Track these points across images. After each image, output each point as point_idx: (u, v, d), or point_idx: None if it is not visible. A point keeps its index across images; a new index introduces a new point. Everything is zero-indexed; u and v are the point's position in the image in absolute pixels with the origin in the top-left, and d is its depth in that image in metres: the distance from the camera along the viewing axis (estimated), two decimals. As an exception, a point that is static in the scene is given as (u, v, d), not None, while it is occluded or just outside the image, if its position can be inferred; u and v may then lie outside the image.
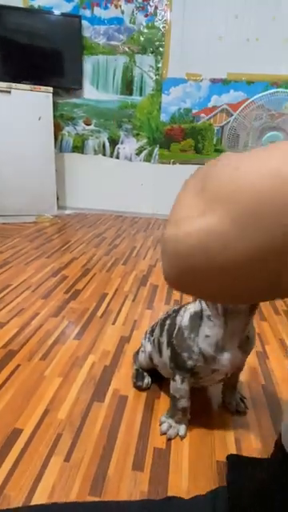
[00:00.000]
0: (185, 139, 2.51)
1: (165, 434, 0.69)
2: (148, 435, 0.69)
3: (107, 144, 2.62)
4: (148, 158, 2.61)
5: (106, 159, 2.66)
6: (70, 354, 0.93)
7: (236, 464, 0.52)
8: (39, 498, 0.55)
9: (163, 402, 0.78)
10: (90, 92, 2.47)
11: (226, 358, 0.61)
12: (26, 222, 2.32)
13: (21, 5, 2.31)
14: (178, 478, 0.61)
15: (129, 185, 2.70)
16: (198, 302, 0.63)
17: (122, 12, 2.29)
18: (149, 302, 1.29)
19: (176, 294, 1.36)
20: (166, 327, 0.71)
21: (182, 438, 0.69)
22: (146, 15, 2.28)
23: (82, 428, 0.70)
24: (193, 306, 0.64)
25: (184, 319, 0.64)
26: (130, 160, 2.64)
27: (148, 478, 0.60)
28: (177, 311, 0.70)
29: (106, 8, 2.28)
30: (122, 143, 2.60)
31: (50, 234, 2.10)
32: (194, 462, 0.64)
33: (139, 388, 0.81)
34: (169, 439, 0.68)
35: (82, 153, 2.66)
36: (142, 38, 2.33)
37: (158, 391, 0.81)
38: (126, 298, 1.31)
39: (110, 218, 2.62)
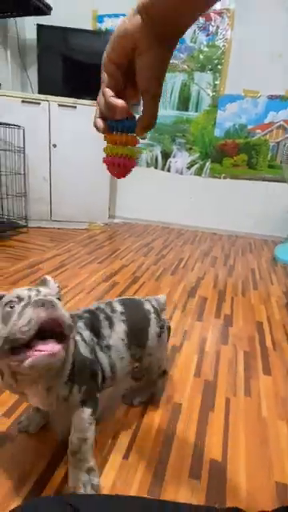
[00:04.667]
0: (238, 154, 2.50)
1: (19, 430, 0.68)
2: (204, 446, 0.69)
3: (160, 157, 2.69)
4: (199, 172, 2.64)
5: (157, 172, 2.73)
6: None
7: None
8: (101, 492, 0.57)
9: (218, 413, 0.77)
10: (147, 107, 2.57)
11: (29, 398, 0.53)
12: (79, 229, 2.44)
13: (89, 27, 2.50)
14: (235, 491, 0.60)
15: (177, 197, 2.74)
16: None
17: (184, 32, 2.37)
18: (198, 314, 1.29)
19: (226, 308, 1.35)
20: None
21: (30, 432, 0.68)
22: (208, 34, 2.34)
23: (138, 430, 0.71)
24: None
25: None
26: (181, 173, 2.68)
27: (205, 487, 0.60)
28: None
29: (168, 29, 2.38)
30: (174, 157, 2.66)
31: (101, 241, 2.19)
32: (251, 477, 0.62)
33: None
34: (18, 430, 0.68)
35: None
36: (201, 57, 2.39)
37: (211, 400, 0.81)
38: (176, 307, 1.32)
39: (156, 229, 2.67)
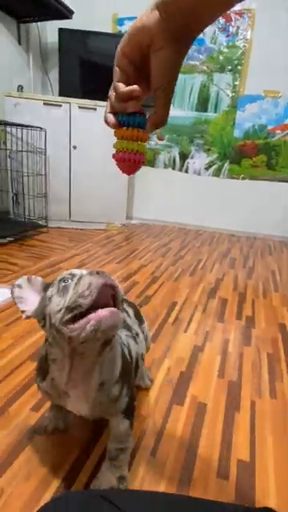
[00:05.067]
0: (257, 155, 2.47)
1: (45, 430, 0.67)
2: (230, 446, 0.69)
3: (177, 158, 2.69)
4: (217, 173, 2.63)
5: (175, 173, 2.73)
6: (146, 355, 0.97)
7: None
8: (130, 486, 0.58)
9: (243, 414, 0.77)
10: (165, 109, 2.58)
11: (70, 403, 0.52)
12: (97, 229, 2.46)
13: (109, 30, 2.53)
14: (265, 491, 0.59)
15: (195, 198, 2.73)
16: (43, 346, 0.54)
17: (204, 34, 2.37)
18: (219, 315, 1.28)
19: (247, 310, 1.33)
20: None
21: (61, 430, 0.67)
22: (228, 35, 2.33)
23: (163, 428, 0.72)
24: (42, 350, 0.55)
25: (38, 358, 0.57)
26: (199, 174, 2.67)
27: (234, 488, 0.60)
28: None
29: (188, 30, 2.38)
30: (192, 158, 2.65)
31: (119, 242, 2.20)
32: (281, 478, 0.62)
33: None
34: (46, 433, 0.67)
35: (153, 166, 2.76)
36: (221, 57, 2.39)
37: (236, 400, 0.80)
38: (196, 308, 1.32)
39: (173, 230, 2.67)
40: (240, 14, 2.28)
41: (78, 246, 2.03)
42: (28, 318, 0.48)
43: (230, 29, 2.32)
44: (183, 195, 2.75)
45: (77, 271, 0.45)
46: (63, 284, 0.44)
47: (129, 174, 0.44)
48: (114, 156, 0.43)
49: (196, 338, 1.09)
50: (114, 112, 0.40)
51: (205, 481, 0.61)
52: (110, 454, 0.57)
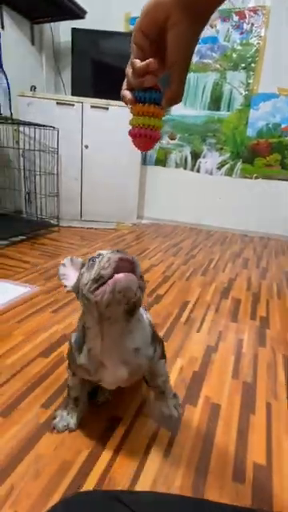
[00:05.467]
0: (271, 154, 2.43)
1: (53, 428, 0.67)
2: (246, 449, 0.66)
3: (189, 158, 2.66)
4: (229, 173, 2.59)
5: (186, 172, 2.71)
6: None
7: None
8: (143, 487, 0.56)
9: (259, 416, 0.74)
10: (178, 108, 2.56)
11: (107, 373, 0.57)
12: (108, 228, 2.46)
13: (122, 30, 2.53)
14: (283, 496, 0.57)
15: (207, 198, 2.70)
16: (80, 317, 0.60)
17: (217, 31, 2.35)
18: (232, 315, 1.25)
19: (262, 310, 1.30)
20: None
21: (71, 430, 0.67)
22: (241, 33, 2.30)
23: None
24: (79, 322, 0.61)
25: (72, 337, 0.63)
26: (211, 174, 2.64)
27: (250, 491, 0.57)
28: None
29: (201, 28, 2.36)
30: (204, 157, 2.63)
31: (129, 241, 2.19)
32: (299, 488, 0.59)
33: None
34: (55, 430, 0.67)
35: (164, 166, 2.74)
36: (234, 55, 2.36)
37: (251, 402, 0.78)
38: (208, 308, 1.29)
39: (184, 230, 2.64)
40: (254, 10, 2.25)
41: (89, 244, 2.03)
42: (68, 292, 0.57)
43: (244, 26, 2.29)
44: (195, 195, 2.72)
45: (103, 251, 0.52)
46: (91, 262, 0.52)
47: (144, 150, 0.45)
48: (129, 132, 0.43)
49: (209, 338, 1.07)
50: (130, 88, 0.41)
51: (220, 484, 0.58)
52: (160, 389, 0.70)
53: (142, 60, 0.38)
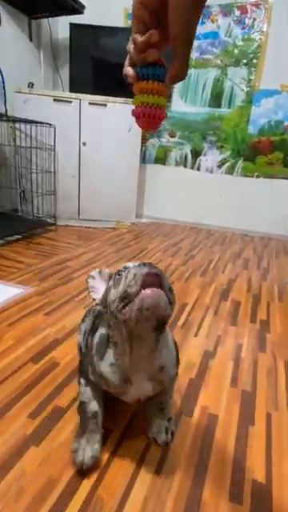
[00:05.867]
0: (273, 152, 2.38)
1: (81, 466, 0.56)
2: (244, 464, 0.62)
3: (189, 156, 2.62)
4: (230, 171, 2.54)
5: (186, 171, 2.66)
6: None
7: None
8: (132, 509, 0.52)
9: (259, 428, 0.70)
10: (178, 105, 2.52)
11: (131, 391, 0.56)
12: (106, 228, 2.41)
13: (121, 25, 2.48)
14: (283, 522, 0.53)
15: (207, 197, 2.65)
16: (106, 325, 0.57)
17: (219, 27, 2.30)
18: (232, 318, 1.21)
19: (262, 314, 1.26)
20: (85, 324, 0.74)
21: (97, 459, 0.57)
22: (243, 28, 2.25)
23: (170, 442, 0.66)
24: (103, 328, 0.59)
25: (95, 338, 0.60)
26: (211, 172, 2.60)
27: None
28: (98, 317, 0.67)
29: (202, 23, 2.31)
30: (204, 155, 2.58)
31: (128, 240, 2.15)
32: (301, 508, 0.55)
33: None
34: (84, 468, 0.56)
35: (164, 164, 2.70)
36: (236, 51, 2.31)
37: (250, 412, 0.74)
38: (207, 310, 1.25)
39: (184, 229, 2.60)
40: (256, 5, 2.20)
41: (87, 244, 1.99)
42: (97, 305, 0.56)
43: (246, 21, 2.24)
44: (195, 194, 2.68)
45: (130, 264, 0.50)
46: (117, 277, 0.50)
47: (149, 131, 0.43)
48: (133, 112, 0.41)
49: (207, 343, 1.03)
50: (133, 65, 0.40)
51: (216, 505, 0.54)
52: (161, 406, 0.65)
53: (144, 33, 0.37)
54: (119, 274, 0.49)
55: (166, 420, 0.66)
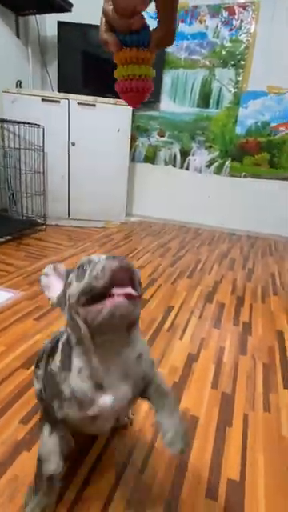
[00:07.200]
0: (260, 153, 2.43)
1: None
2: (221, 464, 0.67)
3: (178, 155, 2.65)
4: (218, 171, 2.58)
5: (175, 170, 2.69)
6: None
7: None
8: (117, 507, 0.57)
9: (236, 429, 0.76)
10: (166, 105, 2.53)
11: (107, 397, 0.47)
12: (95, 227, 2.44)
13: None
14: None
15: (196, 196, 2.69)
16: (65, 331, 0.51)
17: (206, 27, 2.31)
18: (216, 320, 1.26)
19: (245, 316, 1.32)
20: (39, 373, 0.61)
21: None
22: (231, 29, 2.27)
23: (154, 443, 0.71)
24: (64, 335, 0.52)
25: (55, 360, 0.51)
26: (200, 172, 2.63)
27: (222, 509, 0.58)
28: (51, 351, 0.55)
29: (190, 24, 2.32)
30: (193, 155, 2.61)
31: (118, 240, 2.18)
32: (270, 500, 0.61)
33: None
34: None
35: (153, 163, 2.72)
36: (223, 52, 2.33)
37: (229, 414, 0.79)
38: (192, 313, 1.30)
39: (173, 228, 2.64)
40: (244, 6, 2.21)
41: (77, 245, 2.01)
42: (53, 305, 0.50)
43: (234, 22, 2.26)
44: (184, 193, 2.71)
45: (95, 257, 0.45)
46: (81, 269, 0.44)
47: (136, 106, 0.38)
48: (117, 86, 0.36)
49: (191, 346, 1.08)
50: (110, 30, 0.34)
51: (193, 502, 0.60)
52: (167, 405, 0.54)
53: None
54: (83, 267, 0.44)
55: (175, 417, 0.52)
